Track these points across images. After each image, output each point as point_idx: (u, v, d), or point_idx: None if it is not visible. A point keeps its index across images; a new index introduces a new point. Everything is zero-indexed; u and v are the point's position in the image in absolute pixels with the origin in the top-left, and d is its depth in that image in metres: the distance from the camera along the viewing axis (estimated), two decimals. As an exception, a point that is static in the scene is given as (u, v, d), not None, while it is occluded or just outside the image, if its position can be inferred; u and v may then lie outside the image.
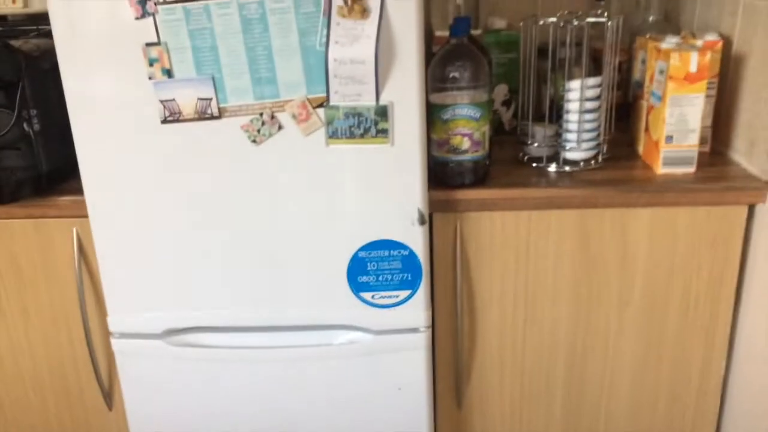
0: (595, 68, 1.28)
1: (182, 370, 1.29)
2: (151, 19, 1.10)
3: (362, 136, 1.14)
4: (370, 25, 1.09)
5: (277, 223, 1.20)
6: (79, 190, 1.25)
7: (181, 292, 1.25)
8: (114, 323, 1.28)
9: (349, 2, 1.08)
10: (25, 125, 1.26)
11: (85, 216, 1.25)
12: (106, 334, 1.36)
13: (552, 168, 1.30)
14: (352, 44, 1.10)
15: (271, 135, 1.15)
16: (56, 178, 1.31)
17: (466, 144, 1.22)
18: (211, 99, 1.14)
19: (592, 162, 1.30)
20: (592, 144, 1.28)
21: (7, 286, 1.37)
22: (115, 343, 1.30)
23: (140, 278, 1.25)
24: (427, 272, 1.21)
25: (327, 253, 1.20)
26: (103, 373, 1.42)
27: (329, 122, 1.14)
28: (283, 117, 1.14)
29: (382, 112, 1.13)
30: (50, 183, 1.30)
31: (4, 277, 1.36)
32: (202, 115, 1.15)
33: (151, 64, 1.13)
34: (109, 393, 1.43)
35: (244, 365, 1.27)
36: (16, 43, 1.27)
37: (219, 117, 1.15)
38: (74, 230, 1.32)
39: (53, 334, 1.40)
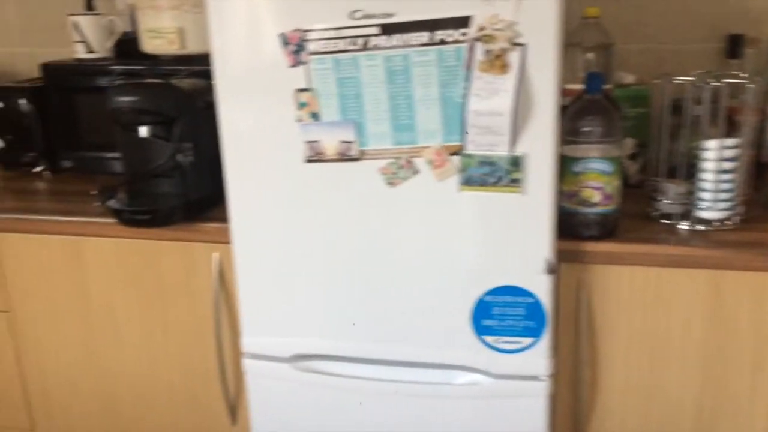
0: (730, 126, 1.26)
1: (306, 395, 1.36)
2: (303, 67, 1.19)
3: (495, 184, 1.18)
4: (510, 79, 1.13)
5: (406, 262, 1.25)
6: (222, 218, 1.35)
7: (310, 321, 1.32)
8: (247, 344, 1.37)
9: (492, 58, 1.12)
10: (179, 156, 1.38)
11: (227, 242, 1.35)
12: (238, 352, 1.45)
13: (684, 226, 1.28)
14: (490, 97, 1.14)
15: (406, 178, 1.21)
16: (203, 206, 1.42)
17: (596, 197, 1.23)
18: (352, 142, 1.21)
19: (727, 222, 1.28)
20: (727, 204, 1.26)
21: (153, 301, 1.49)
22: (246, 363, 1.38)
23: (274, 304, 1.33)
24: (552, 321, 1.22)
25: (453, 294, 1.24)
26: (231, 389, 1.51)
27: (463, 169, 1.18)
28: (419, 162, 1.19)
29: (516, 163, 1.16)
30: (198, 210, 1.41)
31: (151, 292, 1.48)
32: (343, 157, 1.22)
33: (300, 108, 1.21)
34: (234, 408, 1.52)
35: (364, 396, 1.33)
36: (173, 81, 1.40)
37: (359, 159, 1.21)
38: (216, 255, 1.42)
39: (189, 348, 1.51)
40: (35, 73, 1.82)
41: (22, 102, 1.73)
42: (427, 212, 1.22)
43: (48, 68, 1.67)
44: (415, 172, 1.20)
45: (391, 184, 1.22)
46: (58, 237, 1.48)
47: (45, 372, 1.60)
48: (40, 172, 1.75)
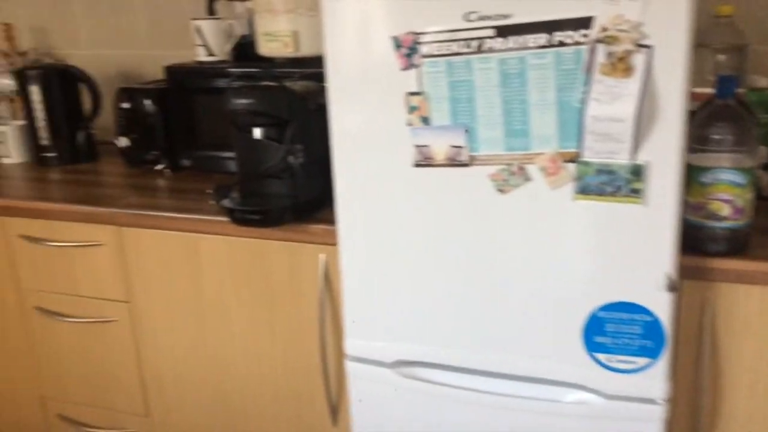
0: None
1: (407, 401, 1.35)
2: (415, 70, 1.17)
3: (613, 194, 1.11)
4: (633, 83, 1.06)
5: (514, 272, 1.21)
6: (330, 220, 1.36)
7: (414, 327, 1.30)
8: (350, 347, 1.37)
9: (614, 60, 1.06)
10: (290, 158, 1.40)
11: (334, 244, 1.36)
12: (341, 354, 1.46)
13: (826, 243, 1.17)
14: (612, 102, 1.08)
15: (517, 186, 1.17)
16: (312, 207, 1.44)
17: (726, 210, 1.14)
18: (463, 147, 1.18)
19: None
20: None
21: (261, 298, 1.52)
22: (349, 365, 1.38)
23: (378, 308, 1.32)
24: (671, 342, 1.14)
25: (562, 308, 1.19)
26: (333, 390, 1.52)
27: (579, 178, 1.12)
28: (531, 169, 1.15)
29: (637, 172, 1.09)
30: (306, 211, 1.43)
31: (259, 290, 1.52)
32: (453, 162, 1.19)
33: (410, 112, 1.19)
34: (335, 409, 1.53)
35: (467, 407, 1.30)
36: (287, 83, 1.42)
37: (468, 165, 1.18)
38: (323, 257, 1.43)
39: (293, 346, 1.53)
40: (160, 74, 1.91)
41: (147, 102, 1.82)
42: (538, 221, 1.17)
43: (171, 70, 1.75)
44: (527, 179, 1.16)
45: (501, 191, 1.18)
46: (176, 233, 1.54)
47: (160, 360, 1.68)
48: (161, 170, 1.84)
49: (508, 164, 1.16)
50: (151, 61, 2.15)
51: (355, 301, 1.35)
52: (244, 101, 1.32)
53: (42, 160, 1.95)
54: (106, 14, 2.17)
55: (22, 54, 2.18)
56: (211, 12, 1.80)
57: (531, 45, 1.09)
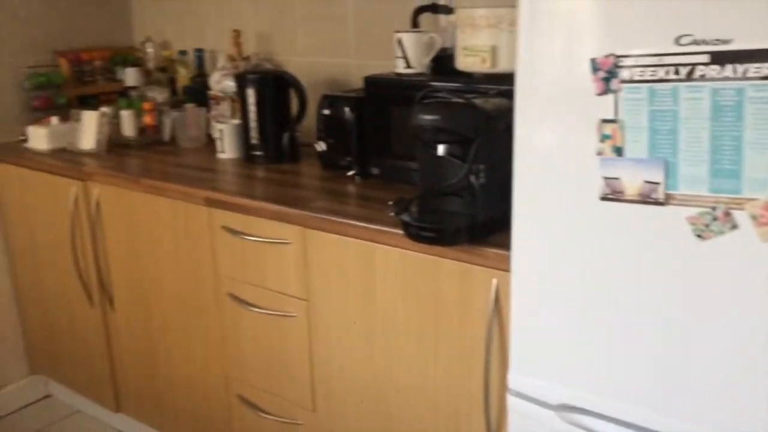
0: None
1: (568, 450, 1.25)
2: (612, 96, 1.07)
3: (841, 256, 0.93)
4: None
5: (705, 326, 1.06)
6: (505, 245, 1.30)
7: (585, 372, 1.20)
8: (513, 381, 1.30)
9: None
10: (472, 177, 1.36)
11: (507, 270, 1.30)
12: (504, 386, 1.39)
13: None
14: None
15: (721, 233, 1.02)
16: (488, 229, 1.39)
17: None
18: (658, 183, 1.06)
19: None
20: None
21: (429, 315, 1.50)
22: (511, 400, 1.31)
23: (547, 345, 1.24)
24: None
25: (761, 375, 1.02)
26: (493, 419, 1.46)
27: (799, 232, 0.96)
28: (740, 216, 1.00)
29: None
30: (482, 233, 1.38)
31: (428, 307, 1.50)
32: (646, 199, 1.08)
33: (602, 140, 1.10)
34: (493, 440, 1.47)
35: (634, 471, 1.17)
36: (477, 101, 1.38)
37: (664, 203, 1.06)
38: (495, 282, 1.38)
39: (457, 368, 1.49)
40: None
41: (346, 110, 1.88)
42: (743, 276, 1.02)
43: (369, 81, 1.79)
44: (734, 226, 1.01)
45: (700, 236, 1.04)
46: (355, 240, 1.57)
47: (330, 361, 1.72)
48: (352, 176, 1.89)
49: (712, 208, 1.02)
50: (357, 70, 2.23)
51: (524, 335, 1.27)
52: (430, 117, 1.30)
53: (250, 157, 2.11)
54: (322, 24, 2.29)
55: (246, 58, 2.37)
56: (414, 24, 1.82)
57: (752, 75, 0.95)
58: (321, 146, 1.96)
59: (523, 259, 1.24)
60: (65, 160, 2.18)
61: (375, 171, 1.84)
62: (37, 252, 2.41)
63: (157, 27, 2.74)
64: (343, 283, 1.64)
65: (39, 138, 2.28)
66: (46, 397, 2.67)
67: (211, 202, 1.82)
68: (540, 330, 1.25)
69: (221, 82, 2.27)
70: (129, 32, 2.81)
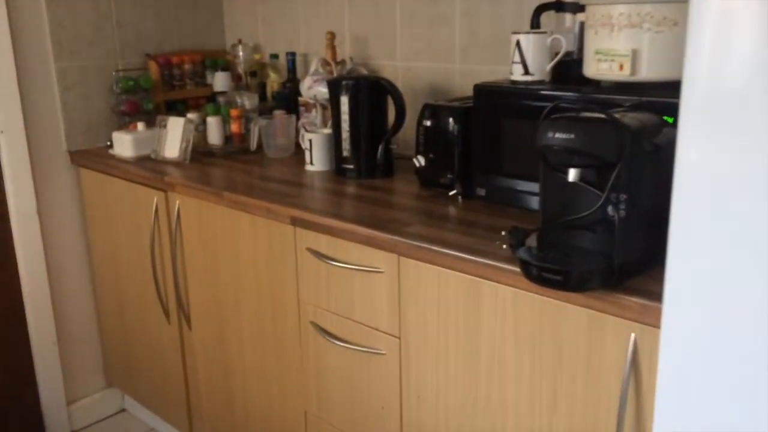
0: None
1: None
2: (822, 112, 0.81)
3: None
4: None
5: None
6: (650, 293, 1.06)
7: (756, 468, 0.93)
8: (656, 462, 1.04)
9: None
10: (609, 209, 1.11)
11: (651, 324, 1.05)
12: (638, 466, 1.13)
13: None
14: None
15: None
16: (627, 273, 1.13)
17: None
18: None
19: None
20: None
21: (545, 365, 1.25)
22: (649, 489, 1.06)
23: (702, 425, 0.97)
24: None
25: None
26: (621, 506, 1.19)
27: None
28: None
29: None
30: (620, 277, 1.12)
31: (544, 356, 1.25)
32: None
33: (802, 171, 0.83)
34: None
35: None
36: (619, 116, 1.13)
37: None
38: (633, 336, 1.12)
39: (579, 428, 1.24)
40: (470, 91, 1.75)
41: (449, 121, 1.66)
42: None
43: (478, 89, 1.56)
44: None
45: None
46: (458, 274, 1.35)
47: (424, 408, 1.50)
48: (454, 196, 1.67)
49: None
50: (462, 76, 2.01)
51: (671, 408, 1.01)
52: (562, 136, 1.05)
53: (341, 171, 1.92)
54: (425, 25, 2.08)
55: (340, 63, 2.19)
56: (535, 25, 1.57)
57: None
58: (420, 161, 1.75)
59: (678, 312, 0.98)
60: (148, 168, 2.06)
61: (480, 192, 1.61)
62: (117, 263, 2.31)
63: (249, 30, 2.62)
64: (441, 321, 1.41)
65: (123, 144, 2.18)
66: (121, 411, 2.58)
67: (296, 222, 1.64)
68: (694, 406, 0.98)
69: (312, 88, 2.10)
70: (220, 35, 2.69)
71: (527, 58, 1.49)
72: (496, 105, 1.53)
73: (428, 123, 1.71)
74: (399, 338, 1.51)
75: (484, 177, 1.60)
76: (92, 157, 2.25)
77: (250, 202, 1.74)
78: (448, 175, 1.69)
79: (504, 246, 1.29)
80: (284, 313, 1.77)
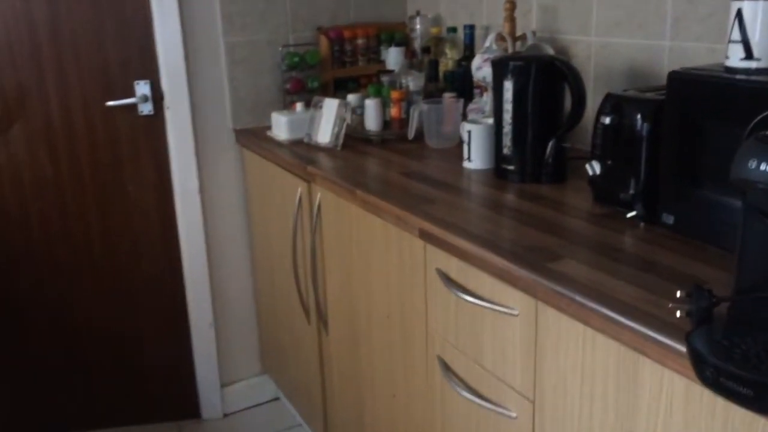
0: None
1: None
2: None
3: None
4: None
5: None
6: None
7: None
8: None
9: None
10: None
11: None
12: None
13: None
14: None
15: None
16: None
17: None
18: None
19: None
20: None
21: None
22: None
23: None
24: None
25: None
26: None
27: None
28: None
29: None
30: None
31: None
32: None
33: None
34: None
35: None
36: None
37: None
38: None
39: None
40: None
41: (637, 119, 1.24)
42: None
43: (675, 78, 1.12)
44: None
45: None
46: (610, 340, 0.97)
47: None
48: (633, 220, 1.25)
49: None
50: (675, 56, 1.54)
51: None
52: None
53: (501, 172, 1.57)
54: (627, -9, 1.63)
55: (520, 38, 1.82)
56: (768, -15, 1.08)
57: None
58: (594, 168, 1.35)
59: None
60: (297, 154, 1.89)
61: (667, 219, 1.17)
62: (270, 250, 2.20)
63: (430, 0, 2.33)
64: (586, 392, 1.04)
65: (280, 126, 2.03)
66: (275, 400, 2.50)
67: (425, 236, 1.34)
68: None
69: (482, 69, 1.76)
70: (401, 5, 2.43)
71: (752, 36, 1.02)
72: (698, 101, 1.08)
73: (608, 120, 1.30)
74: (533, 402, 1.16)
75: (674, 199, 1.16)
76: (253, 137, 2.14)
77: (381, 205, 1.47)
78: (629, 191, 1.28)
79: (679, 313, 0.88)
80: (413, 337, 1.49)
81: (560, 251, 1.15)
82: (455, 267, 1.29)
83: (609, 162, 1.32)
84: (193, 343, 2.35)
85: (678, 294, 0.89)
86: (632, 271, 1.06)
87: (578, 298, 0.99)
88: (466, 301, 1.25)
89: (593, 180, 1.37)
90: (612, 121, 1.29)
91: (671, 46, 1.54)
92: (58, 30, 2.03)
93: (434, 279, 1.36)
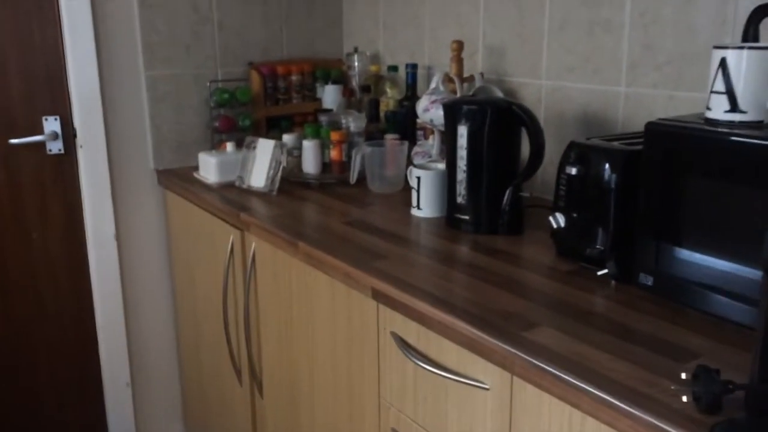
0: None
1: None
2: None
3: None
4: None
5: None
6: None
7: None
8: None
9: None
10: None
11: None
12: None
13: None
14: None
15: None
16: None
17: None
18: None
19: None
20: None
21: None
22: None
23: None
24: None
25: None
26: None
27: None
28: None
29: None
30: None
31: None
32: None
33: None
34: None
35: None
36: None
37: None
38: None
39: None
40: (637, 124, 1.24)
41: (605, 168, 1.16)
42: None
43: (653, 129, 1.05)
44: None
45: None
46: (599, 423, 0.86)
47: None
48: (604, 278, 1.17)
49: None
50: (631, 104, 1.49)
51: None
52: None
53: (453, 221, 1.47)
54: (581, 33, 1.57)
55: (467, 79, 1.74)
56: (751, 37, 1.03)
57: None
58: (558, 221, 1.26)
59: None
60: (228, 200, 1.73)
61: (646, 279, 1.09)
62: (196, 303, 2.01)
63: (368, 37, 2.23)
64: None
65: (208, 168, 1.86)
66: (199, 465, 2.29)
67: (379, 296, 1.21)
68: None
69: (430, 111, 1.66)
70: (337, 42, 2.33)
71: (737, 87, 0.95)
72: (681, 155, 1.01)
73: (574, 170, 1.21)
74: (509, 487, 1.04)
75: (652, 258, 1.08)
76: (177, 179, 1.96)
77: (326, 260, 1.33)
78: (597, 246, 1.19)
79: (685, 398, 0.78)
80: (362, 407, 1.35)
81: (533, 317, 1.04)
82: (414, 331, 1.16)
83: (574, 215, 1.24)
84: (107, 405, 2.11)
85: (683, 376, 0.79)
86: (615, 341, 0.96)
87: (563, 375, 0.88)
88: (427, 370, 1.12)
89: (556, 233, 1.28)
90: (578, 171, 1.20)
91: (627, 93, 1.49)
92: (-47, 58, 1.80)
93: (389, 343, 1.23)
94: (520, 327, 1.00)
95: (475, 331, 1.01)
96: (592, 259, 1.21)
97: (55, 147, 1.94)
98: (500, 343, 0.97)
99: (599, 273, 1.18)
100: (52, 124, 1.92)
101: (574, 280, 1.18)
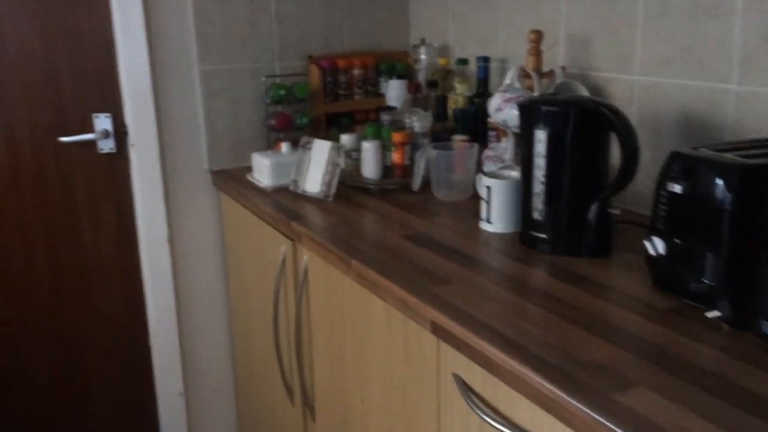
0: None
1: None
2: None
3: None
4: None
5: None
6: None
7: None
8: None
9: None
10: None
11: None
12: None
13: None
14: None
15: None
16: None
17: None
18: None
19: None
20: None
21: None
22: None
23: None
24: None
25: None
26: None
27: None
28: None
29: None
30: None
31: None
32: None
33: None
34: None
35: None
36: None
37: None
38: None
39: None
40: (752, 129, 1.02)
41: (718, 187, 0.96)
42: None
43: (791, 144, 0.84)
44: None
45: None
46: None
47: None
48: (714, 321, 0.96)
49: None
50: (744, 104, 1.26)
51: None
52: None
53: (528, 239, 1.28)
54: (682, 20, 1.35)
55: (547, 74, 1.54)
56: None
57: None
58: (656, 246, 1.06)
59: None
60: (280, 206, 1.59)
61: (766, 324, 0.88)
62: (248, 310, 1.89)
63: (436, 25, 2.05)
64: None
65: (261, 170, 1.74)
66: (252, 479, 2.18)
67: (439, 332, 1.04)
68: None
69: (503, 110, 1.47)
70: (403, 33, 2.16)
71: None
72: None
73: (678, 187, 1.01)
74: None
75: (778, 301, 0.87)
76: (231, 181, 1.84)
77: (381, 283, 1.17)
78: (705, 280, 0.98)
79: None
80: (420, 450, 1.19)
81: (627, 373, 0.85)
82: (480, 376, 0.99)
83: (676, 240, 1.03)
84: (160, 415, 2.03)
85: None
86: (732, 411, 0.77)
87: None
88: (493, 427, 0.95)
89: (653, 261, 1.08)
90: (684, 189, 1.00)
91: (738, 91, 1.26)
92: (1, 54, 1.73)
93: (450, 386, 1.06)
94: (612, 387, 0.82)
95: (553, 389, 0.83)
96: (699, 296, 1.00)
97: (107, 146, 1.85)
98: (586, 409, 0.79)
99: (708, 315, 0.97)
100: (103, 122, 1.83)
101: (675, 322, 0.98)
